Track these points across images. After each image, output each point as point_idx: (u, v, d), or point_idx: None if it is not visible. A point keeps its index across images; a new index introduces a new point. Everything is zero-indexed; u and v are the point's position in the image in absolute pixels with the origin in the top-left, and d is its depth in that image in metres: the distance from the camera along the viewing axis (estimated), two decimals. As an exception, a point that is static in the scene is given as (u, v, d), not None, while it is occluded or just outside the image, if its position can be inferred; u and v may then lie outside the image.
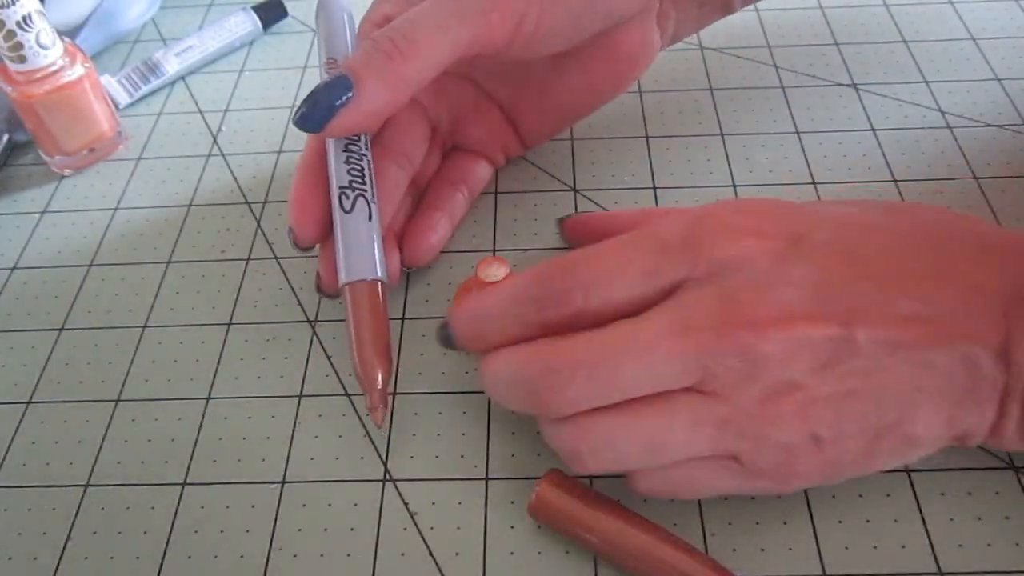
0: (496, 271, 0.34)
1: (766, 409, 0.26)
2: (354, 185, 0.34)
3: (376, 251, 0.34)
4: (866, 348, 0.26)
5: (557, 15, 0.34)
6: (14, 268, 0.41)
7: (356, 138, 0.35)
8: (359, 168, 0.34)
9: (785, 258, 0.27)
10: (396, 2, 0.36)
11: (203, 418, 0.35)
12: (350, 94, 0.32)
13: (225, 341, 0.37)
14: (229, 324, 0.38)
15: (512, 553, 0.30)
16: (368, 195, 0.34)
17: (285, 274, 0.40)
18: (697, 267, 0.27)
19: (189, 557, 0.31)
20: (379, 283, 0.33)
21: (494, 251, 0.40)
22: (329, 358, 0.36)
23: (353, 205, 0.34)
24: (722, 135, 0.44)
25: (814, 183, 0.41)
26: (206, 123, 0.48)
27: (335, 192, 0.34)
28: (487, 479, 0.32)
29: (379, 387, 0.32)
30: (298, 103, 0.48)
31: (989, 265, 0.27)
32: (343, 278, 0.33)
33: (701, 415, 0.27)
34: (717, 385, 0.26)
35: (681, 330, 0.26)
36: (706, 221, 0.28)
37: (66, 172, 0.46)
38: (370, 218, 0.34)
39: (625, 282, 0.28)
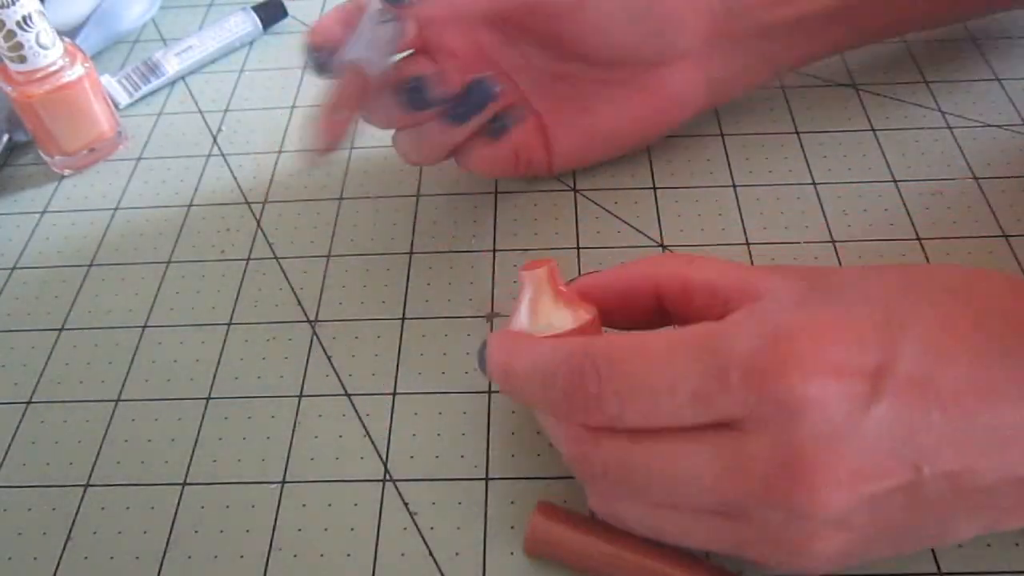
0: (559, 319, 0.28)
1: (800, 545, 0.24)
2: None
3: (378, 51, 0.34)
4: (930, 484, 0.24)
5: (618, 9, 0.35)
6: (14, 268, 0.41)
7: None
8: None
9: (864, 403, 0.23)
10: None
11: (203, 418, 0.35)
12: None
13: (225, 341, 0.37)
14: (229, 324, 0.38)
15: (512, 553, 0.30)
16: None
17: (285, 274, 0.40)
18: (761, 406, 0.23)
19: (189, 557, 0.31)
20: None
21: (494, 251, 0.40)
22: (329, 358, 0.36)
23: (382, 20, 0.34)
24: (722, 135, 0.44)
25: (814, 183, 0.41)
26: (206, 123, 0.48)
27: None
28: (487, 479, 0.32)
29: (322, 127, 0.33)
30: (298, 103, 0.49)
31: None
32: (344, 56, 0.33)
33: (718, 532, 0.25)
34: (751, 525, 0.25)
35: (728, 470, 0.24)
36: (782, 348, 0.23)
37: (66, 172, 0.46)
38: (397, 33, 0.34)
39: (671, 402, 0.24)
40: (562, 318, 0.28)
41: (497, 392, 0.35)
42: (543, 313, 0.28)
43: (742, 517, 0.25)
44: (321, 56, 0.34)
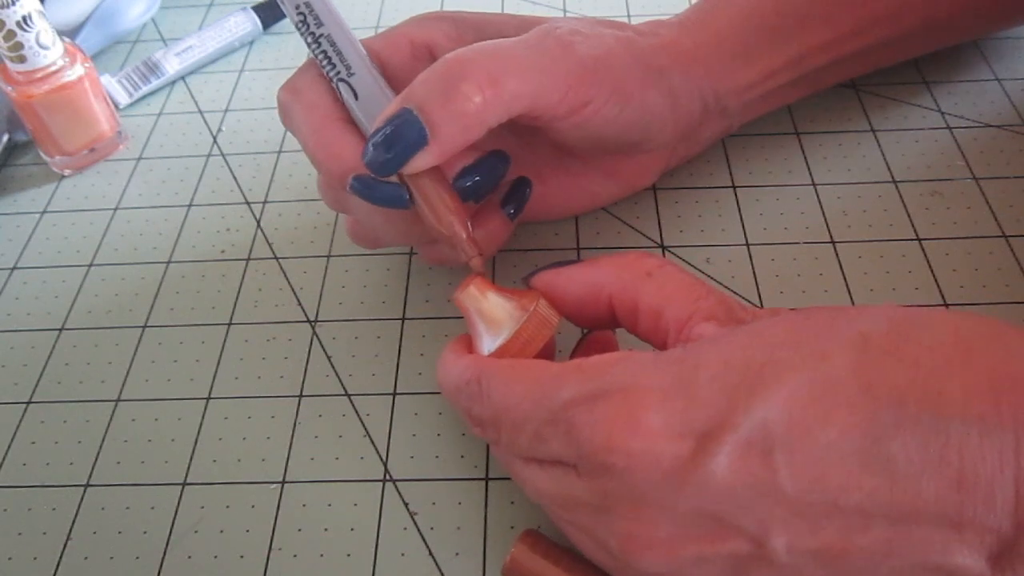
0: (509, 312, 0.30)
1: None
2: (328, 73, 0.33)
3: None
4: (785, 558, 0.22)
5: (614, 117, 0.33)
6: (14, 268, 0.41)
7: (302, 20, 0.33)
8: (323, 51, 0.33)
9: (684, 469, 0.22)
10: (445, 32, 0.34)
11: (203, 418, 0.35)
12: (425, 134, 0.29)
13: (225, 341, 0.37)
14: (229, 324, 0.38)
15: (512, 553, 0.30)
16: (342, 75, 0.33)
17: (285, 274, 0.40)
18: (581, 459, 0.24)
19: (189, 557, 0.31)
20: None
21: (494, 251, 0.40)
22: (329, 358, 0.36)
23: (339, 91, 0.33)
24: (722, 135, 0.44)
25: (814, 184, 0.41)
26: (206, 123, 0.48)
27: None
28: (487, 479, 0.32)
29: (464, 237, 0.31)
30: (298, 103, 0.49)
31: (1001, 446, 0.21)
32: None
33: (596, 550, 0.26)
34: (610, 557, 0.25)
35: (567, 502, 0.25)
36: (597, 408, 0.23)
37: (66, 172, 0.46)
38: (356, 97, 0.33)
39: (521, 438, 0.26)
40: (511, 310, 0.29)
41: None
42: (493, 317, 0.29)
43: (592, 543, 0.26)
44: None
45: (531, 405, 0.25)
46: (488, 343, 0.29)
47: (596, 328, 0.32)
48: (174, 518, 0.32)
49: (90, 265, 0.41)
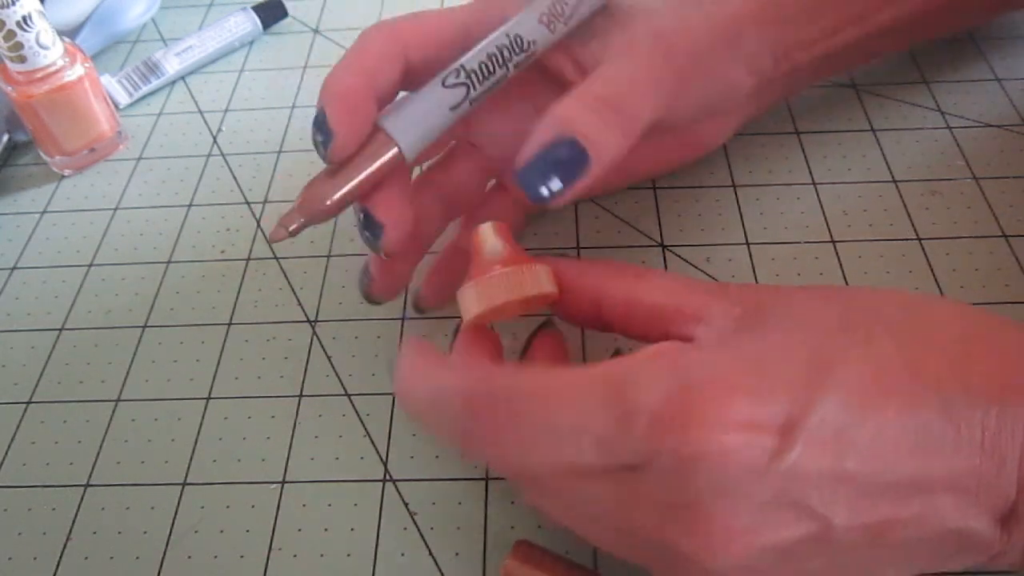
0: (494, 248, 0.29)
1: None
2: (472, 74, 0.30)
3: (423, 129, 0.30)
4: (842, 535, 0.23)
5: (703, 96, 0.34)
6: (14, 268, 0.41)
7: (516, 50, 0.31)
8: (490, 68, 0.31)
9: (768, 458, 0.23)
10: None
11: (203, 418, 0.35)
12: (588, 164, 0.29)
13: (225, 341, 0.37)
14: (229, 324, 0.38)
15: (512, 553, 0.30)
16: (474, 93, 0.30)
17: (285, 274, 0.40)
18: (660, 457, 0.23)
19: (189, 557, 0.31)
20: (396, 149, 0.30)
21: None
22: (329, 358, 0.36)
23: (452, 84, 0.30)
24: (722, 135, 0.44)
25: (814, 184, 0.41)
26: (206, 123, 0.48)
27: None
28: (487, 479, 0.32)
29: (293, 211, 0.30)
30: (298, 103, 0.49)
31: (1013, 423, 0.23)
32: (381, 121, 0.30)
33: (636, 553, 0.26)
34: (659, 559, 0.25)
35: (625, 505, 0.24)
36: (688, 400, 0.23)
37: (66, 172, 0.46)
38: (454, 108, 0.30)
39: (575, 446, 0.24)
40: (515, 259, 0.28)
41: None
42: (497, 259, 0.29)
43: (648, 547, 0.25)
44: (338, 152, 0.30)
45: (597, 407, 0.24)
46: (478, 280, 0.28)
47: (577, 323, 0.31)
48: (174, 518, 0.32)
49: (90, 265, 0.41)
